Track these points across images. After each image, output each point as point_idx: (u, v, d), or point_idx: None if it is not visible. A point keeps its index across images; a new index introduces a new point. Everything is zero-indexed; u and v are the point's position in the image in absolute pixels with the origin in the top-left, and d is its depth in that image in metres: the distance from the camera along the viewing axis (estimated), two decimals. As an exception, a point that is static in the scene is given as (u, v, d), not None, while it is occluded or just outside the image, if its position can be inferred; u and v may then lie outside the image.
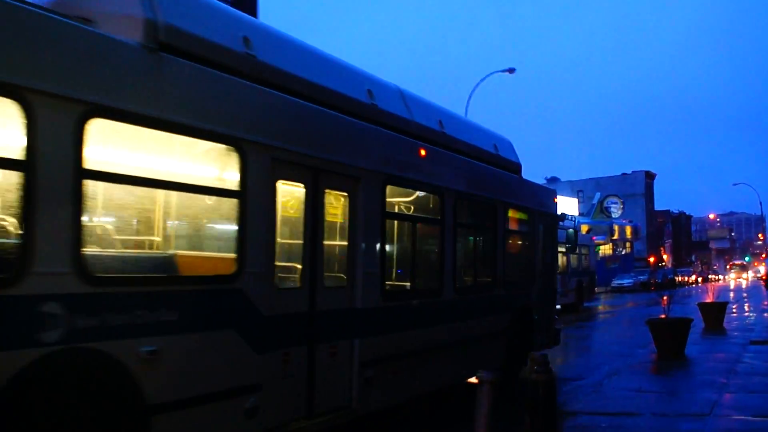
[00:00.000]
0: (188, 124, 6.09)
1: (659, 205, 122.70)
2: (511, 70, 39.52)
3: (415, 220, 9.67)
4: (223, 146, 6.53)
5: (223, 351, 6.40)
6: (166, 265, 6.58)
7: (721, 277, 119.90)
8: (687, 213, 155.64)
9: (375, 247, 8.56)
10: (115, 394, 5.36)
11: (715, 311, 23.79)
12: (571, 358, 15.42)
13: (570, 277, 31.67)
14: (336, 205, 8.10)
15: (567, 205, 74.53)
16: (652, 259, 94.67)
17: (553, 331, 14.12)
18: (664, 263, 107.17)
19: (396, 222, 9.35)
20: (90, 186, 5.34)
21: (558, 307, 13.98)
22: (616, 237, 76.66)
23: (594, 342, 20.85)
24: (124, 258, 6.17)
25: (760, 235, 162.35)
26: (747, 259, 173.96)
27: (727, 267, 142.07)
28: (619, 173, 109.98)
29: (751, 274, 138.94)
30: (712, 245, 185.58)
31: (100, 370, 5.29)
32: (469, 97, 43.23)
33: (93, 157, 5.32)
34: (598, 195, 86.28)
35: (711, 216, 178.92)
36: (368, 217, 8.45)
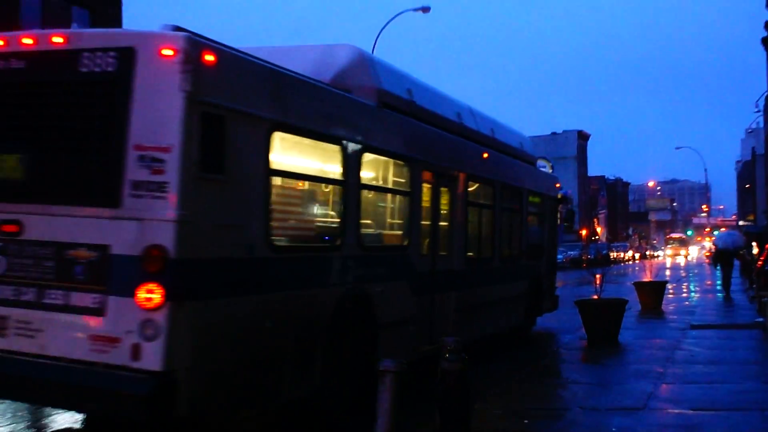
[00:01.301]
0: (392, 150, 11.67)
1: (593, 170, 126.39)
2: (425, 9, 39.54)
3: (480, 206, 15.34)
4: (402, 162, 12.07)
5: (402, 293, 11.75)
6: (381, 239, 11.80)
7: (660, 253, 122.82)
8: (624, 180, 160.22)
9: (462, 226, 14.12)
10: (368, 315, 10.58)
11: (653, 292, 24.91)
12: (486, 345, 15.78)
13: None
14: (445, 197, 13.61)
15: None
16: (584, 232, 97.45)
17: (554, 298, 20.51)
18: (597, 237, 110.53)
19: (470, 207, 14.71)
20: (365, 192, 10.80)
21: None
22: (543, 205, 78.18)
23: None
24: (373, 235, 11.44)
25: (704, 207, 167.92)
26: (689, 233, 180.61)
27: (666, 241, 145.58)
28: (549, 132, 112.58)
29: (693, 249, 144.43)
30: (652, 217, 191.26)
31: (364, 300, 10.51)
32: (377, 36, 43.23)
33: (365, 174, 10.87)
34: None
35: (650, 183, 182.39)
36: (459, 205, 14.01)
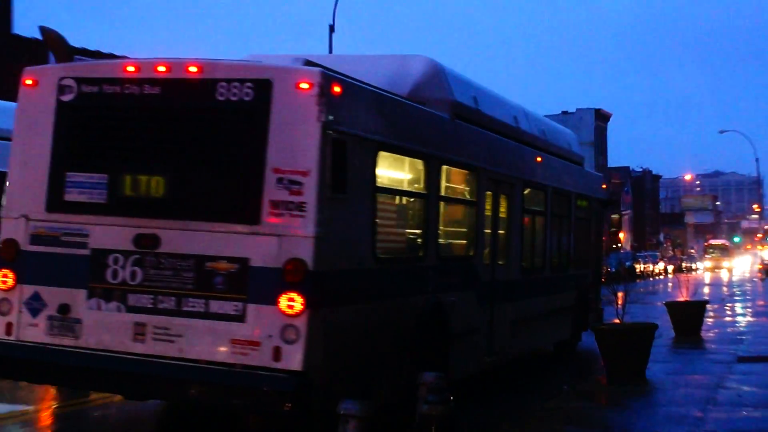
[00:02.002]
0: (463, 161, 14.42)
1: (615, 160, 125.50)
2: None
3: (533, 213, 17.91)
4: (469, 172, 14.79)
5: (469, 303, 14.40)
6: (452, 249, 14.65)
7: (699, 265, 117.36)
8: (654, 172, 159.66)
9: (519, 234, 16.87)
10: (443, 324, 13.16)
11: (690, 314, 24.70)
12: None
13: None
14: (503, 205, 16.34)
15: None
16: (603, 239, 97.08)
17: (600, 311, 22.77)
18: (620, 244, 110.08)
19: (525, 215, 17.28)
20: (441, 203, 13.71)
21: None
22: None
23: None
24: (446, 246, 14.20)
25: (755, 206, 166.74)
26: (736, 239, 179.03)
27: (704, 250, 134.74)
28: (559, 111, 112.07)
29: (742, 260, 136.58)
30: (689, 219, 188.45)
31: (440, 309, 13.06)
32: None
33: (442, 186, 13.64)
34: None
35: (687, 177, 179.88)
36: (515, 212, 16.68)
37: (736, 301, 44.27)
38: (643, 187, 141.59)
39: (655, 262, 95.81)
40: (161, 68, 10.87)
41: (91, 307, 10.95)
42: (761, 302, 42.48)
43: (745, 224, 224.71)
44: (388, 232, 12.29)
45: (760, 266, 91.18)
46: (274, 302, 9.99)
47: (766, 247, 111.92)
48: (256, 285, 10.15)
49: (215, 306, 10.31)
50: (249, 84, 10.41)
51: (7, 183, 11.73)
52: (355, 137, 10.95)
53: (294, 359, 9.93)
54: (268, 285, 10.06)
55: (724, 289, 57.61)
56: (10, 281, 11.32)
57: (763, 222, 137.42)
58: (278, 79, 10.33)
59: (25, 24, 69.13)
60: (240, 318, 10.19)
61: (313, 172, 10.11)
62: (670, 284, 62.29)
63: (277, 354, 9.98)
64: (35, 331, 11.19)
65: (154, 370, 10.41)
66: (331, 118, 10.30)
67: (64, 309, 11.04)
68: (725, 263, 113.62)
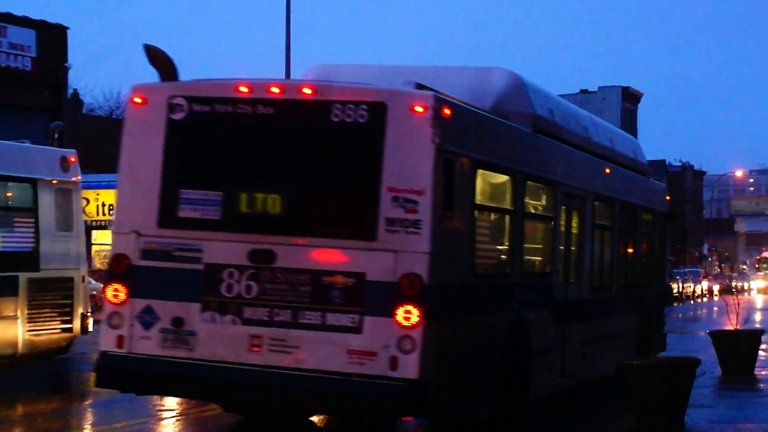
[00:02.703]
0: (543, 176, 17.15)
1: (648, 152, 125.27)
2: None
3: (602, 228, 20.42)
4: (547, 186, 17.32)
5: (546, 321, 16.87)
6: (533, 266, 17.60)
7: (753, 285, 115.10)
8: (696, 167, 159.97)
9: (589, 251, 19.39)
10: (525, 341, 15.96)
11: (741, 347, 24.82)
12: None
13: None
14: (575, 221, 18.81)
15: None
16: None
17: (663, 336, 24.58)
18: (671, 259, 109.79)
19: (595, 230, 19.78)
20: (525, 219, 17.19)
21: None
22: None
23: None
24: (528, 262, 17.01)
25: None
26: None
27: (756, 264, 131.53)
28: (577, 90, 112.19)
29: None
30: (740, 226, 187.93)
31: (523, 325, 15.94)
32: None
33: (525, 202, 16.95)
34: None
35: (738, 173, 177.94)
36: (586, 227, 19.04)
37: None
38: (682, 185, 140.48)
39: (697, 281, 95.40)
40: (274, 89, 13.62)
41: (206, 320, 13.53)
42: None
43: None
44: (484, 248, 15.22)
45: None
46: (391, 314, 12.78)
47: None
48: (372, 298, 12.93)
49: (331, 318, 13.08)
50: (364, 106, 13.15)
51: (116, 199, 14.38)
52: (460, 156, 13.77)
53: (410, 368, 12.67)
54: (384, 298, 12.84)
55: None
56: (122, 295, 13.81)
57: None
58: (393, 101, 13.09)
59: None
60: (356, 330, 12.99)
61: (428, 191, 12.87)
62: (715, 308, 62.60)
63: (393, 363, 12.72)
64: (148, 344, 13.68)
65: (272, 380, 13.07)
66: (442, 139, 13.04)
67: (177, 322, 13.57)
68: None
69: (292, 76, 36.78)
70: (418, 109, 12.92)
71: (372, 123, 13.06)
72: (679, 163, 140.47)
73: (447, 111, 13.27)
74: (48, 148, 25.44)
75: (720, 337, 25.28)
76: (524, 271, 16.52)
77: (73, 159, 23.45)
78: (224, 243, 13.61)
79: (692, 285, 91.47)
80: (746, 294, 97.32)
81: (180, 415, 18.50)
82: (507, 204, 16.01)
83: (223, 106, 13.79)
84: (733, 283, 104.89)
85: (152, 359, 13.62)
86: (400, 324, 12.70)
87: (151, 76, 14.33)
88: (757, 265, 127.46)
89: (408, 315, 12.67)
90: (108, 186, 62.16)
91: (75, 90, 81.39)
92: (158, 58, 14.74)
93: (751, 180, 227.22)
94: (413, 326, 12.65)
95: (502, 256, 16.14)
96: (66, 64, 55.81)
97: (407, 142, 12.96)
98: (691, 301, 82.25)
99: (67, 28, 54.97)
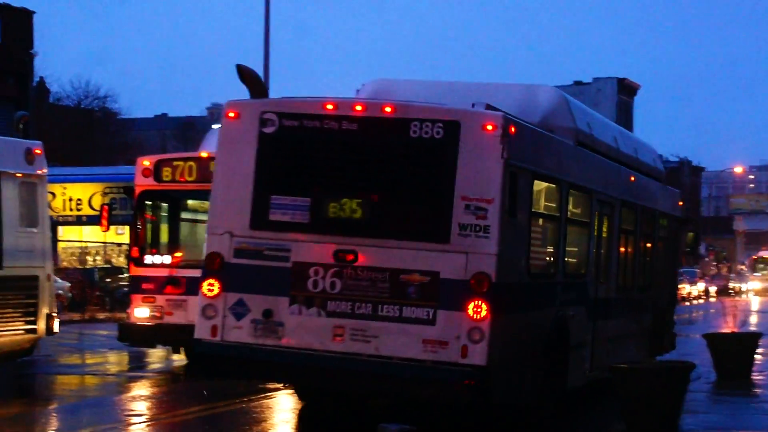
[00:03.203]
0: (582, 185, 19.83)
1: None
2: None
3: (627, 232, 23.19)
4: (585, 194, 20.10)
5: (582, 318, 19.86)
6: (572, 267, 20.05)
7: (749, 287, 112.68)
8: (694, 163, 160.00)
9: (616, 254, 22.40)
10: (565, 335, 18.69)
11: (738, 351, 25.08)
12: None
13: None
14: (605, 226, 21.46)
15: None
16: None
17: (673, 336, 27.86)
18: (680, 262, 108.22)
19: (621, 235, 22.60)
20: (568, 225, 19.74)
21: None
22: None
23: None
24: (569, 264, 19.88)
25: None
26: None
27: (752, 264, 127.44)
28: (571, 82, 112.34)
29: None
30: (740, 225, 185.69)
31: (564, 321, 18.74)
32: None
33: (568, 209, 19.60)
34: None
35: (738, 170, 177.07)
36: (614, 232, 22.03)
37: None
38: (679, 182, 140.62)
39: (693, 282, 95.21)
40: (358, 107, 16.06)
41: (293, 312, 15.84)
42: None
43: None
44: (536, 250, 17.60)
45: None
46: (463, 308, 15.17)
47: None
48: (445, 294, 15.30)
49: (408, 311, 15.36)
50: (440, 124, 15.55)
51: (210, 203, 16.69)
52: (521, 168, 16.03)
53: (479, 356, 15.03)
54: (456, 294, 15.23)
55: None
56: (216, 289, 16.12)
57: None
58: (466, 121, 15.51)
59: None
60: (431, 322, 15.33)
61: (497, 200, 15.24)
62: (712, 310, 62.80)
63: (464, 352, 15.09)
64: (239, 333, 16.01)
65: (353, 366, 15.34)
66: (509, 154, 15.34)
67: (267, 313, 15.90)
68: None
69: (275, 76, 40.28)
70: (489, 127, 15.39)
71: (447, 139, 15.52)
72: (677, 159, 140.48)
73: (513, 129, 15.60)
74: (12, 139, 24.94)
75: (716, 341, 25.52)
76: (566, 271, 19.05)
77: (38, 151, 23.10)
78: (311, 244, 15.97)
79: (688, 286, 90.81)
80: (744, 296, 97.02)
81: (150, 420, 18.69)
82: (554, 211, 18.53)
83: (310, 122, 16.15)
84: (731, 285, 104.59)
85: (244, 346, 15.96)
86: (470, 317, 15.15)
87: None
88: (752, 267, 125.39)
89: (478, 309, 15.15)
90: (75, 180, 61.80)
91: (41, 78, 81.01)
92: (248, 77, 17.39)
93: (752, 176, 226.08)
94: (482, 319, 15.14)
95: (550, 258, 18.66)
96: (32, 51, 55.42)
97: (478, 156, 15.36)
98: (687, 303, 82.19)
99: (33, 12, 54.45)
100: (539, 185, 17.58)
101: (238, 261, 16.11)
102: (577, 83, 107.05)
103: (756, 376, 24.70)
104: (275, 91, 29.46)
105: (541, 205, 18.29)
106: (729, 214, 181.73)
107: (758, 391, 22.80)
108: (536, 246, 17.62)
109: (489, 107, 15.70)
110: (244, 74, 17.20)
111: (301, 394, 19.47)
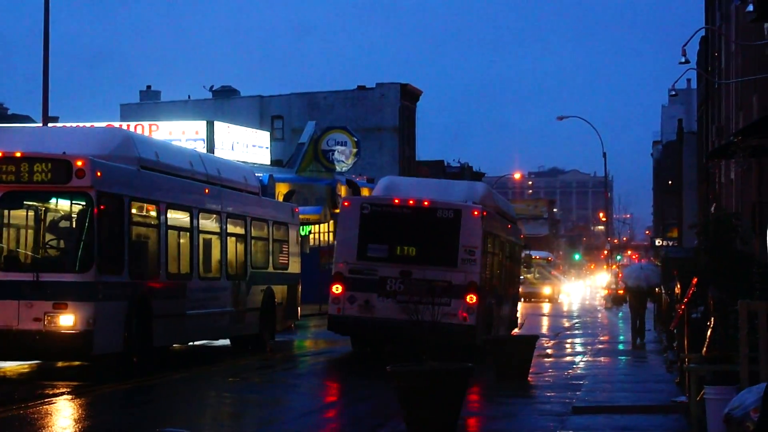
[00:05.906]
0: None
1: (426, 152, 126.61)
2: None
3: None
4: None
5: None
6: None
7: (548, 289, 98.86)
8: (475, 168, 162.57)
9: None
10: None
11: (518, 353, 26.59)
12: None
13: (245, 283, 34.29)
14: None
15: (249, 140, 74.23)
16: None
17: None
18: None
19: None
20: None
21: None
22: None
23: (288, 412, 21.81)
24: None
25: (601, 215, 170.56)
26: (576, 256, 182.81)
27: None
28: (354, 86, 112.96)
29: (579, 286, 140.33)
30: (521, 230, 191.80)
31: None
32: None
33: None
34: (311, 127, 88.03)
35: (516, 176, 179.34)
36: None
37: (577, 336, 46.43)
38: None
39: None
40: (411, 202, 32.38)
41: (380, 300, 31.63)
42: (604, 336, 44.98)
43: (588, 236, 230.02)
44: (488, 271, 34.81)
45: (606, 290, 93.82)
46: (464, 297, 31.56)
47: (612, 267, 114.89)
48: (455, 291, 31.36)
49: (437, 300, 22.97)
50: (451, 211, 32.29)
51: (335, 247, 34.39)
52: (489, 232, 33.98)
53: (471, 319, 31.53)
54: (461, 291, 31.58)
55: (564, 321, 59.77)
56: (340, 289, 32.09)
57: (615, 233, 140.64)
58: (464, 209, 32.42)
59: None
60: (448, 304, 29.72)
61: (479, 247, 32.08)
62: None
63: (464, 318, 31.24)
64: (352, 311, 31.98)
65: (409, 325, 20.41)
66: (484, 226, 32.41)
67: (367, 302, 31.76)
68: (546, 290, 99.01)
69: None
70: (475, 213, 32.25)
71: (455, 217, 32.06)
72: (458, 164, 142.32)
73: (485, 212, 32.72)
74: (288, 204, 42.15)
75: (496, 344, 27.86)
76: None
77: (296, 209, 42.20)
78: (388, 267, 31.99)
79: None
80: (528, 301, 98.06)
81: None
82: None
83: (387, 208, 32.77)
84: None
85: (355, 317, 32.05)
86: (467, 302, 31.46)
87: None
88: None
89: (471, 298, 31.58)
90: None
91: None
92: (354, 186, 54.42)
93: (530, 182, 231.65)
94: (473, 303, 31.47)
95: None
96: None
97: (471, 227, 32.04)
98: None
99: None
100: (493, 236, 36.38)
101: (351, 275, 32.20)
102: (361, 88, 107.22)
103: (534, 378, 26.80)
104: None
105: (495, 247, 37.17)
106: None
107: (536, 392, 24.05)
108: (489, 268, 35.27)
109: (475, 202, 33.87)
110: (351, 184, 54.96)
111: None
